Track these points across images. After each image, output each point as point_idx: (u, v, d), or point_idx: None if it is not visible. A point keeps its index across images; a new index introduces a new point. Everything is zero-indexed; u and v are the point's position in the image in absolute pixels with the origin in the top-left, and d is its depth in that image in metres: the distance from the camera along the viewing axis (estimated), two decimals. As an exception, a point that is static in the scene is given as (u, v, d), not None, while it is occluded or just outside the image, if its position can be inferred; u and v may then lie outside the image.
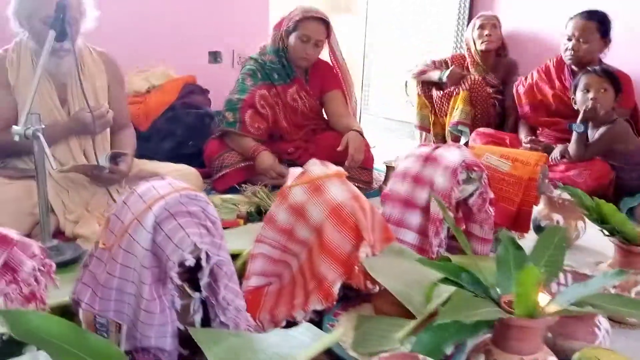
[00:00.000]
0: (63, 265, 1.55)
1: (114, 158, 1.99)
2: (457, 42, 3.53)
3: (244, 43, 3.38)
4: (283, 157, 2.54)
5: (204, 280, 1.03)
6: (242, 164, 2.47)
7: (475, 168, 1.50)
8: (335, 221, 1.27)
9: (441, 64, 3.27)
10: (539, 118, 2.84)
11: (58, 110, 1.97)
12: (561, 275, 1.33)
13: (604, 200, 1.45)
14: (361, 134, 2.51)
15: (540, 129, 2.86)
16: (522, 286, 0.90)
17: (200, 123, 2.81)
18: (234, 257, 1.29)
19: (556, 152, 2.55)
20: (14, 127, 1.51)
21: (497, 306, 0.97)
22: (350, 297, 1.35)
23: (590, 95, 2.42)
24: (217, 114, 2.75)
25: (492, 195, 1.54)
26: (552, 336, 1.19)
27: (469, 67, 3.24)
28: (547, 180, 1.81)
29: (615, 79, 2.43)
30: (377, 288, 1.30)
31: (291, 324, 1.23)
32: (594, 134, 2.47)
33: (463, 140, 3.03)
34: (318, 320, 1.26)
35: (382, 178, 2.58)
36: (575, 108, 2.53)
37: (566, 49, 2.68)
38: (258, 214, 2.08)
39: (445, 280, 1.00)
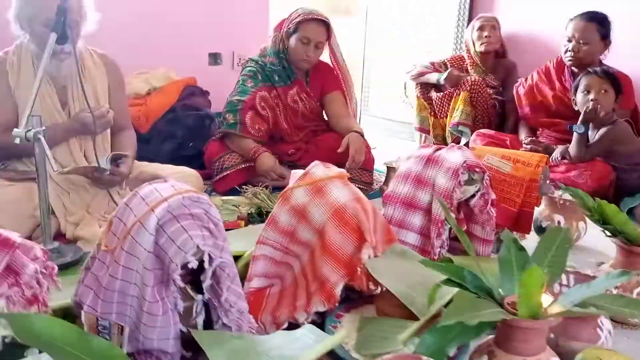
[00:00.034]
0: (64, 268, 1.55)
1: (115, 160, 1.99)
2: (457, 43, 3.53)
3: (244, 45, 3.39)
4: (283, 159, 2.54)
5: (206, 282, 1.03)
6: (243, 166, 2.47)
7: (477, 169, 1.50)
8: (337, 223, 1.27)
9: (440, 66, 3.28)
10: (539, 119, 2.85)
11: (59, 112, 1.97)
12: (563, 276, 1.33)
13: (604, 200, 1.45)
14: (362, 135, 2.52)
15: (540, 129, 2.87)
16: (526, 287, 0.89)
17: (201, 125, 2.81)
18: (236, 258, 1.28)
19: (557, 153, 2.55)
20: (15, 129, 1.51)
21: (500, 307, 0.97)
22: (353, 298, 1.35)
23: (591, 96, 2.42)
24: (217, 115, 2.75)
25: (493, 196, 1.54)
26: (555, 337, 1.18)
27: (468, 68, 3.25)
28: (548, 181, 1.81)
29: (615, 80, 2.43)
30: (379, 289, 1.30)
31: (293, 325, 1.23)
32: (594, 135, 2.48)
33: (463, 141, 3.04)
34: (320, 321, 1.26)
35: (383, 179, 2.58)
36: (576, 109, 2.53)
37: (566, 51, 2.69)
38: (259, 216, 2.09)
39: (448, 282, 1.00)
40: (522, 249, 1.07)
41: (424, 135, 3.38)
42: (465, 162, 1.50)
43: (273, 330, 1.23)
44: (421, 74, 3.25)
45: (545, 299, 0.97)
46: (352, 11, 4.69)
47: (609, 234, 1.44)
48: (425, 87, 3.27)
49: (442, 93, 3.17)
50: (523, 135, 2.85)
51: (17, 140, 1.50)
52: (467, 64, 3.26)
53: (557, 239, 1.08)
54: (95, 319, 1.07)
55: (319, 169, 1.38)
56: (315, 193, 1.33)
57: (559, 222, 1.85)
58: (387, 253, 1.33)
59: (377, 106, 4.16)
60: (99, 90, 2.06)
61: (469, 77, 3.10)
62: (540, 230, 1.88)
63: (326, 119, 2.72)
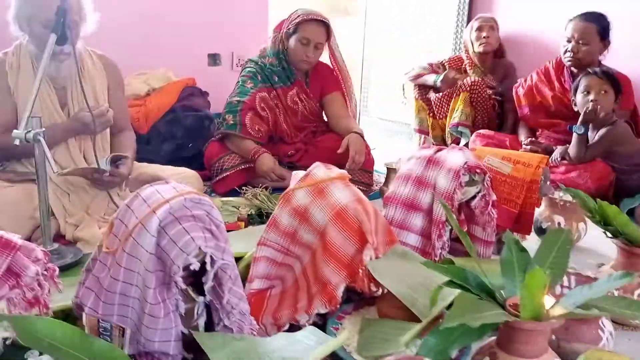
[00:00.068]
0: (64, 269, 1.55)
1: (114, 161, 1.98)
2: (456, 44, 3.53)
3: (243, 45, 3.38)
4: (283, 160, 2.54)
5: (208, 284, 1.03)
6: (242, 167, 2.47)
7: (478, 170, 1.50)
8: (339, 224, 1.27)
9: (438, 67, 3.29)
10: (538, 120, 2.85)
11: (58, 113, 1.96)
12: (564, 278, 1.33)
13: (605, 202, 1.45)
14: (362, 136, 2.51)
15: (539, 130, 2.87)
16: (528, 289, 0.89)
17: (200, 125, 2.80)
18: (236, 260, 1.28)
19: (556, 154, 2.55)
20: (15, 130, 1.50)
21: (502, 309, 0.96)
22: (354, 300, 1.35)
23: (591, 97, 2.43)
24: (216, 116, 2.75)
25: (494, 197, 1.54)
26: (556, 338, 1.18)
27: (467, 68, 3.25)
28: (548, 182, 1.81)
29: (615, 81, 2.44)
30: (381, 291, 1.29)
31: (294, 327, 1.23)
32: (594, 136, 2.48)
33: (463, 141, 3.04)
34: (321, 323, 1.26)
35: (383, 180, 2.58)
36: (575, 110, 2.53)
37: (565, 51, 2.69)
38: (259, 217, 2.08)
39: (450, 283, 1.00)
40: (523, 250, 1.07)
41: (423, 136, 3.38)
42: (466, 163, 1.50)
43: (274, 332, 1.23)
44: (419, 76, 3.25)
45: (547, 301, 0.97)
46: (351, 11, 4.69)
47: (609, 235, 1.44)
48: (424, 89, 3.27)
49: (441, 94, 3.17)
50: (522, 136, 2.85)
51: (17, 142, 1.49)
52: (465, 65, 3.26)
53: (559, 240, 1.07)
54: (96, 321, 1.07)
55: (320, 170, 1.38)
56: (317, 194, 1.33)
57: (559, 223, 1.85)
58: (388, 254, 1.33)
59: (376, 107, 4.16)
60: (98, 91, 2.06)
61: (467, 79, 3.11)
62: (540, 231, 1.88)
63: (326, 119, 2.72)
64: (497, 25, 3.19)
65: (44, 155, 1.54)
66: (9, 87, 1.91)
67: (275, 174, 2.40)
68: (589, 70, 2.50)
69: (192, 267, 0.99)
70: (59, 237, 1.84)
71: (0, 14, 1.92)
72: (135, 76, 2.84)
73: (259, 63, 2.57)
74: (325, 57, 2.66)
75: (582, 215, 1.83)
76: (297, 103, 2.59)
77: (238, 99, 2.48)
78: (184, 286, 1.02)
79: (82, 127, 1.93)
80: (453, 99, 3.11)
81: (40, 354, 1.07)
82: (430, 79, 3.19)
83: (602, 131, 2.44)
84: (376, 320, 1.26)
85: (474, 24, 3.19)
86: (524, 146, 2.71)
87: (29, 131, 1.50)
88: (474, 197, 1.54)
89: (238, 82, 2.57)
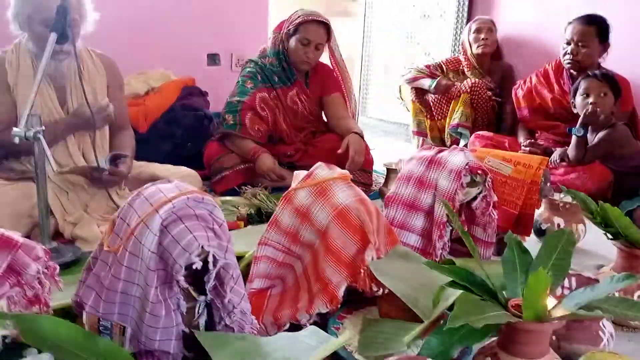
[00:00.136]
0: (63, 268, 1.54)
1: (114, 160, 1.98)
2: (455, 45, 3.54)
3: (242, 45, 3.38)
4: (282, 160, 2.53)
5: (210, 283, 1.03)
6: (242, 166, 2.46)
7: (479, 171, 1.51)
8: (341, 224, 1.27)
9: (436, 68, 3.30)
10: (537, 121, 2.86)
11: (57, 111, 1.96)
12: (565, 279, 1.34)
13: (607, 204, 1.45)
14: (361, 136, 2.51)
15: (538, 132, 2.87)
16: (532, 290, 0.89)
17: (199, 125, 2.79)
18: (236, 259, 1.28)
19: (555, 156, 2.56)
20: (15, 129, 1.50)
21: (504, 310, 0.97)
22: (354, 300, 1.34)
23: (590, 99, 2.43)
24: (215, 115, 2.74)
25: (495, 198, 1.54)
26: (557, 339, 1.19)
27: (465, 70, 3.26)
28: (549, 184, 1.81)
29: (615, 84, 2.45)
30: (381, 291, 1.29)
31: (295, 327, 1.22)
32: (593, 138, 2.48)
33: (462, 142, 3.04)
34: (322, 323, 1.25)
35: (382, 180, 2.58)
36: (575, 112, 2.54)
37: (565, 54, 2.69)
38: (258, 216, 2.08)
39: (452, 284, 1.00)
40: (526, 251, 1.07)
41: (421, 138, 3.39)
42: (467, 164, 1.50)
43: (274, 332, 1.23)
44: (415, 79, 3.26)
45: (549, 302, 0.97)
46: (350, 12, 4.69)
47: (610, 236, 1.45)
48: (420, 91, 3.29)
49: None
50: (522, 137, 2.86)
51: (17, 140, 1.49)
52: (463, 66, 3.27)
53: (561, 242, 1.08)
54: (96, 320, 1.06)
55: (322, 170, 1.38)
56: (319, 194, 1.33)
57: (558, 225, 1.85)
58: (389, 254, 1.33)
59: (375, 108, 4.16)
60: (97, 89, 2.05)
61: (467, 80, 3.12)
62: (539, 232, 1.88)
63: (325, 120, 2.72)
64: (495, 27, 3.20)
65: (43, 154, 1.53)
66: (9, 84, 1.91)
67: (275, 173, 2.40)
68: (589, 72, 2.50)
69: (194, 267, 0.98)
70: (57, 235, 1.84)
71: (1, 11, 1.91)
72: (134, 75, 2.83)
73: (259, 63, 2.57)
74: (325, 58, 2.66)
75: (581, 216, 1.84)
76: (296, 103, 2.59)
77: (238, 98, 2.48)
78: (185, 285, 1.01)
79: (82, 123, 1.93)
80: (453, 101, 3.12)
81: (39, 352, 1.06)
82: (426, 83, 3.21)
83: (602, 133, 2.45)
84: (377, 320, 1.26)
85: (472, 25, 3.21)
86: (523, 148, 2.71)
87: (29, 129, 1.49)
88: (475, 198, 1.54)
89: (238, 82, 2.57)
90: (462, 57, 3.28)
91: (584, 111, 2.43)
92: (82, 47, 2.00)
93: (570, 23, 2.69)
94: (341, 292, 1.24)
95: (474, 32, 3.18)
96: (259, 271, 1.36)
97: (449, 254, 1.55)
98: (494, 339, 1.04)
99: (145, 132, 2.67)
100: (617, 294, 1.36)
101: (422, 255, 1.48)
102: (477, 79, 3.12)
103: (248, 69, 2.57)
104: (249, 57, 2.65)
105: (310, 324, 1.21)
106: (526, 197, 1.71)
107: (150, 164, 2.23)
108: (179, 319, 1.04)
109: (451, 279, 0.99)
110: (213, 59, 3.40)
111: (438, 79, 3.16)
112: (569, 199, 1.83)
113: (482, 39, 3.15)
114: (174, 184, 1.07)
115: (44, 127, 1.53)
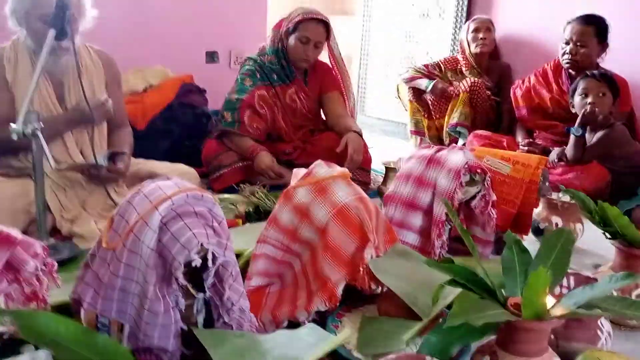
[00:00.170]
0: (60, 264, 1.53)
1: (112, 157, 1.97)
2: (454, 44, 3.54)
3: (241, 43, 3.38)
4: (281, 158, 2.53)
5: (209, 280, 1.03)
6: (240, 164, 2.46)
7: (479, 170, 1.51)
8: (340, 222, 1.27)
9: (434, 68, 3.30)
10: (536, 121, 2.86)
11: (55, 107, 1.95)
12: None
13: (606, 203, 1.46)
14: (360, 135, 2.51)
15: (537, 131, 2.88)
16: (531, 289, 0.89)
17: (198, 122, 2.79)
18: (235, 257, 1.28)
19: (553, 155, 2.56)
20: (13, 125, 1.49)
21: (503, 309, 0.97)
22: (353, 298, 1.34)
23: (589, 99, 2.44)
24: (214, 113, 2.74)
25: (494, 197, 1.54)
26: (555, 338, 1.19)
27: (463, 69, 3.27)
28: (547, 183, 1.81)
29: (613, 84, 2.45)
30: (380, 289, 1.29)
31: (293, 324, 1.22)
32: (591, 138, 2.49)
33: (461, 142, 3.05)
34: (321, 321, 1.25)
35: (380, 179, 2.58)
36: (573, 112, 2.54)
37: (564, 53, 2.70)
38: (256, 214, 2.08)
39: (452, 282, 1.00)
40: (525, 250, 1.07)
41: (419, 138, 3.39)
42: (466, 163, 1.50)
43: (273, 329, 1.23)
44: (413, 79, 3.26)
45: (548, 300, 0.97)
46: (349, 11, 4.68)
47: (609, 236, 1.45)
48: (418, 91, 3.29)
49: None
50: (520, 137, 2.86)
51: (15, 136, 1.48)
52: (461, 65, 3.28)
53: (560, 241, 1.08)
54: (94, 316, 1.06)
55: (322, 168, 1.38)
56: (318, 192, 1.33)
57: (556, 224, 1.85)
58: (388, 253, 1.33)
59: (373, 106, 4.16)
60: (96, 86, 2.04)
61: (466, 79, 3.12)
62: (537, 231, 1.89)
63: (324, 118, 2.72)
64: (493, 26, 3.21)
65: (41, 151, 1.53)
66: (7, 81, 1.90)
67: (274, 171, 2.39)
68: (588, 72, 2.51)
69: (194, 264, 0.98)
70: (54, 232, 1.83)
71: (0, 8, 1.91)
72: (132, 72, 2.82)
73: (258, 61, 2.56)
74: (324, 56, 2.66)
75: (579, 216, 1.84)
76: (295, 101, 2.59)
77: (237, 96, 2.48)
78: (184, 282, 1.01)
79: (82, 118, 1.92)
80: (452, 100, 3.12)
81: (37, 348, 1.06)
82: (422, 83, 3.21)
83: (600, 133, 2.45)
84: (376, 318, 1.26)
85: (471, 24, 3.21)
86: (521, 147, 2.71)
87: (27, 126, 1.49)
88: (473, 197, 1.54)
89: (237, 79, 2.57)
90: (460, 57, 3.29)
91: (583, 111, 2.43)
92: (80, 43, 1.99)
93: (569, 23, 2.69)
94: (340, 290, 1.23)
95: (472, 32, 3.19)
96: (257, 269, 1.35)
97: (447, 252, 1.55)
98: (493, 337, 1.04)
99: (144, 129, 2.66)
100: (615, 293, 1.36)
101: (421, 254, 1.48)
102: (475, 78, 3.12)
103: (247, 67, 2.56)
104: (248, 55, 2.65)
105: (309, 322, 1.21)
106: (524, 196, 1.71)
107: (148, 161, 2.22)
108: (177, 316, 1.04)
109: (451, 278, 0.99)
110: (212, 56, 3.39)
111: (434, 81, 3.16)
112: (567, 198, 1.83)
113: (481, 38, 3.15)
114: (174, 181, 1.06)
115: (42, 124, 1.53)
